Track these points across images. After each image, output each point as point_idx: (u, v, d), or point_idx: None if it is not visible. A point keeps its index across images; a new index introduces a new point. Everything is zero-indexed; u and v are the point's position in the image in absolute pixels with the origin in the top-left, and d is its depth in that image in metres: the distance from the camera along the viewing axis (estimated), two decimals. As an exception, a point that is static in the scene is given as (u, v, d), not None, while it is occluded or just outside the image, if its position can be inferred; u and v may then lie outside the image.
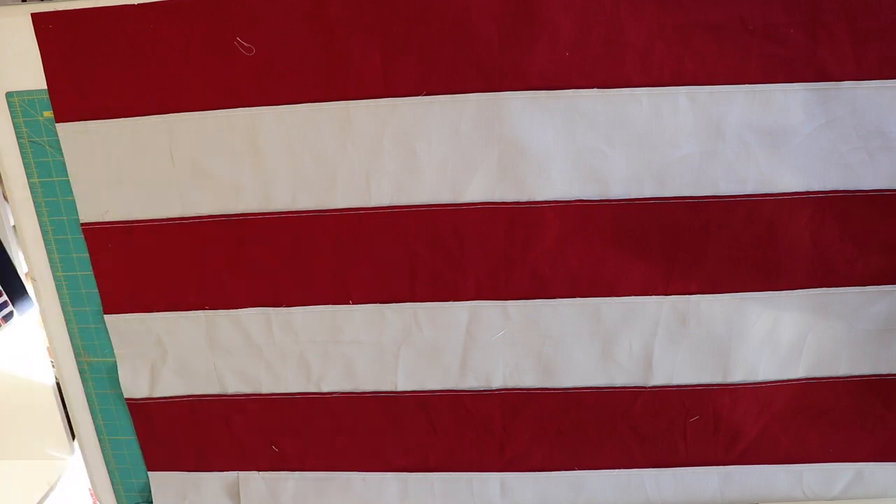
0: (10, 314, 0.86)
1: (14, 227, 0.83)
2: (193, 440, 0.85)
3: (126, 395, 0.84)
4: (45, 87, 0.72)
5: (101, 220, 0.76)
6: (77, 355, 0.83)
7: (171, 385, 0.83)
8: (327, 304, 0.78)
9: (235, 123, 0.72)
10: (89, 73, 0.71)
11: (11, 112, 0.74)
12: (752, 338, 0.77)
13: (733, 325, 0.77)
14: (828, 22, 0.66)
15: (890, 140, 0.70)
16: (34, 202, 0.77)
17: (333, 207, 0.74)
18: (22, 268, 0.88)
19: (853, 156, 0.70)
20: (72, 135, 0.73)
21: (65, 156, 0.74)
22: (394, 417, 0.83)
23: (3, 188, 0.82)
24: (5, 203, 0.85)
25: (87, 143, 0.74)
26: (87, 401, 0.86)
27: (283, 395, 0.83)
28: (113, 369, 0.83)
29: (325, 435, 0.84)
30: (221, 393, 0.83)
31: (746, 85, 0.68)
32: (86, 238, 0.77)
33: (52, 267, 0.79)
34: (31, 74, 0.72)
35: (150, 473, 0.88)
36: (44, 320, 0.83)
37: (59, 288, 0.80)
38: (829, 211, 0.72)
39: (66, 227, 0.77)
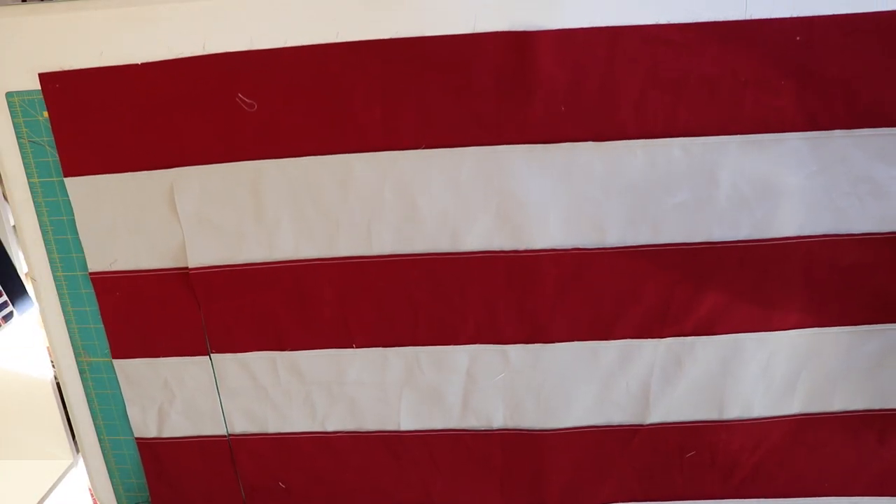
0: (10, 314, 0.86)
1: (14, 227, 0.83)
2: (201, 479, 0.87)
3: (136, 435, 0.86)
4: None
5: (108, 269, 0.78)
6: (77, 355, 0.84)
7: (180, 426, 0.85)
8: (331, 347, 0.80)
9: (239, 176, 0.74)
10: (96, 130, 0.73)
11: (11, 112, 0.74)
12: (747, 376, 0.79)
13: (728, 365, 0.78)
14: (818, 73, 0.68)
15: (879, 185, 0.71)
16: (34, 202, 0.77)
17: (336, 256, 0.76)
18: (22, 268, 0.88)
19: (844, 200, 0.72)
20: (80, 188, 0.75)
21: (73, 208, 0.76)
22: (397, 455, 0.85)
23: (3, 188, 0.82)
24: (5, 203, 0.85)
25: (94, 196, 0.75)
26: (87, 401, 0.86)
27: (289, 434, 0.85)
28: (113, 369, 0.83)
29: (330, 472, 0.86)
30: (228, 433, 0.85)
31: (739, 135, 0.70)
32: (94, 286, 0.79)
33: (52, 267, 0.80)
34: (31, 74, 0.72)
35: None
36: (44, 320, 0.83)
37: (59, 288, 0.80)
38: (821, 253, 0.74)
39: (66, 227, 0.78)
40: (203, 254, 0.77)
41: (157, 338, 0.81)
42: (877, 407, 0.80)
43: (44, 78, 0.71)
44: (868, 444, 0.82)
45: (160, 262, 0.78)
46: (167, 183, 0.74)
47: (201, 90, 0.71)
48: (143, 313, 0.80)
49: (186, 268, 0.77)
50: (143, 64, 0.71)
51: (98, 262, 0.78)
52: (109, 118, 0.72)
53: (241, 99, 0.71)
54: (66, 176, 0.75)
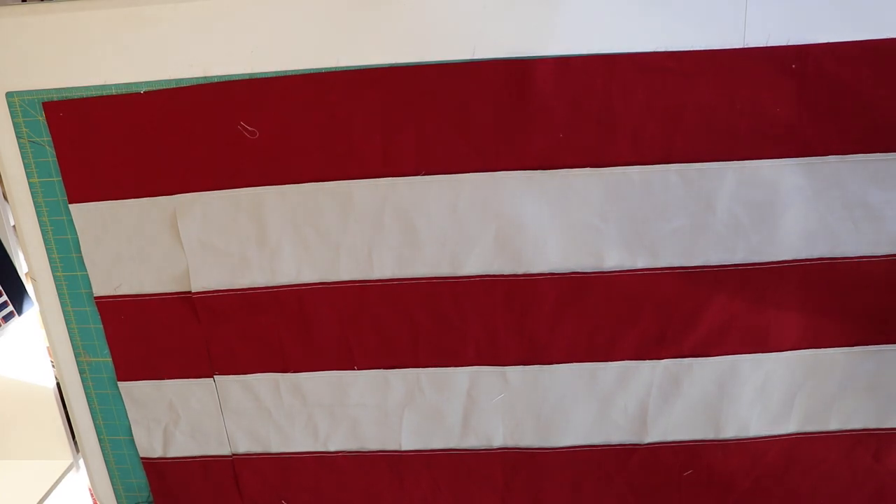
0: (11, 314, 0.86)
1: (14, 227, 0.83)
2: (206, 497, 0.89)
3: (141, 455, 0.87)
4: (45, 87, 0.72)
5: (113, 293, 0.79)
6: (77, 355, 0.84)
7: (185, 446, 0.86)
8: (333, 369, 0.81)
9: (241, 202, 0.75)
10: (100, 158, 0.74)
11: (11, 112, 0.74)
12: (744, 396, 0.80)
13: (725, 385, 0.79)
14: (812, 100, 0.69)
15: (872, 210, 0.72)
16: (34, 202, 0.77)
17: (337, 280, 0.77)
18: (22, 268, 0.88)
19: (839, 225, 0.73)
20: (84, 215, 0.76)
21: (78, 234, 0.77)
22: (399, 474, 0.86)
23: (3, 188, 0.82)
24: (5, 203, 0.85)
25: (98, 222, 0.76)
26: (87, 401, 0.86)
27: (292, 454, 0.86)
28: (113, 369, 0.84)
29: (332, 491, 0.87)
30: (232, 452, 0.86)
31: (735, 161, 0.71)
32: (99, 310, 0.80)
33: (52, 267, 0.80)
34: (31, 74, 0.72)
35: None
36: (44, 320, 0.83)
37: (59, 288, 0.81)
38: (817, 276, 0.75)
39: (66, 227, 0.78)
40: (206, 278, 0.78)
41: (161, 360, 0.82)
42: (872, 426, 0.81)
43: (48, 107, 0.72)
44: (864, 462, 0.83)
45: (164, 287, 0.79)
46: (170, 209, 0.75)
47: (203, 118, 0.72)
48: (147, 337, 0.81)
49: (190, 292, 0.78)
50: (146, 93, 0.72)
51: (103, 286, 0.79)
52: (113, 146, 0.73)
53: (243, 127, 0.72)
54: (70, 202, 0.76)
